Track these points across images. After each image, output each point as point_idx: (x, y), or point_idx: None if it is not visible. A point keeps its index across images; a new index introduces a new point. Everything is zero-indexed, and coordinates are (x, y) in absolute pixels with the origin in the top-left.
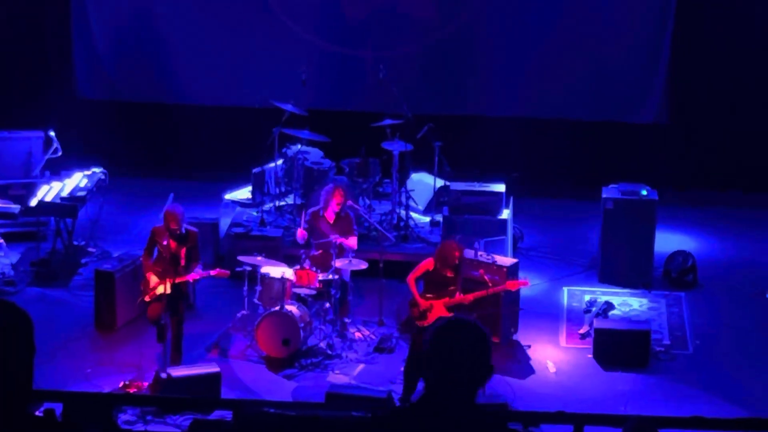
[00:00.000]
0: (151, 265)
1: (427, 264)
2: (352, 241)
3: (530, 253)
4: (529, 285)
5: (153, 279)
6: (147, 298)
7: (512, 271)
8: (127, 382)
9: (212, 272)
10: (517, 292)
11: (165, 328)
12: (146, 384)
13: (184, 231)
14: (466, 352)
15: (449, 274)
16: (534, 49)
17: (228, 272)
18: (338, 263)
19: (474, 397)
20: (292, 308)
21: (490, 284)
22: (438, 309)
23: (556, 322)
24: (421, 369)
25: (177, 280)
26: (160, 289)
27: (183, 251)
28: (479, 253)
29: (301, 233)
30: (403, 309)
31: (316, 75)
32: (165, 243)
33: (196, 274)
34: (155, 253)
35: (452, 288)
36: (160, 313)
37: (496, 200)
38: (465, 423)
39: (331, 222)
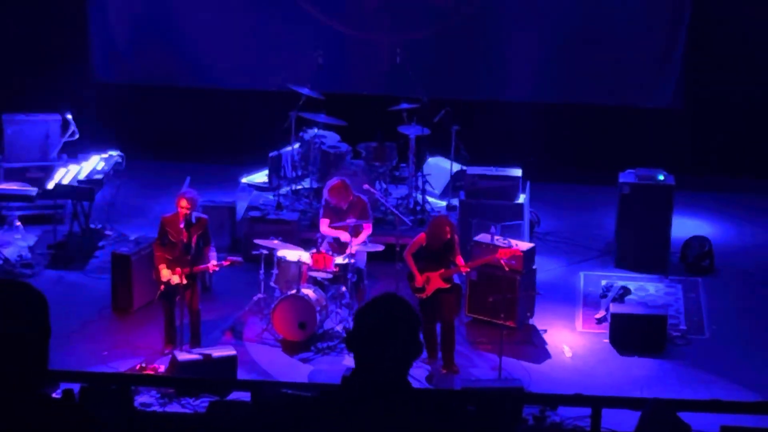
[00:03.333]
0: (163, 255)
1: (420, 239)
2: (367, 227)
3: (547, 238)
4: (521, 253)
5: (165, 272)
6: (162, 288)
7: (529, 256)
8: (143, 364)
9: (225, 263)
10: (534, 276)
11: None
12: (162, 366)
13: (194, 219)
14: (392, 328)
15: (441, 248)
16: (550, 34)
17: (240, 259)
18: (354, 247)
19: (405, 375)
20: (308, 292)
21: (507, 268)
22: (435, 281)
23: (573, 306)
24: (349, 345)
25: (194, 270)
26: (175, 279)
27: (194, 238)
28: (495, 237)
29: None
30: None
31: (333, 59)
32: (179, 228)
33: (212, 266)
34: (165, 242)
35: (449, 260)
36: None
37: (513, 185)
38: (395, 400)
39: (345, 208)
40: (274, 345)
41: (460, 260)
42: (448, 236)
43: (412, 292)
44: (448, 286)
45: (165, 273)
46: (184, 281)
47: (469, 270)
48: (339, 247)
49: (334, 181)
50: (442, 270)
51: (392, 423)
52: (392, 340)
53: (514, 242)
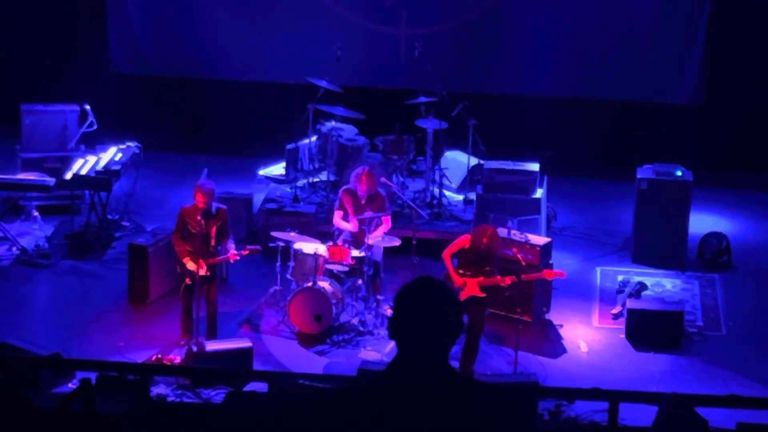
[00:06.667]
0: (185, 249)
1: (463, 241)
2: (386, 221)
3: (564, 233)
4: (565, 276)
5: (191, 264)
6: (188, 281)
7: (545, 251)
8: (159, 355)
9: (244, 252)
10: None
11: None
12: (178, 357)
13: (214, 209)
14: (432, 310)
15: (482, 256)
16: (569, 29)
17: (259, 247)
18: (371, 240)
19: (447, 355)
20: (324, 284)
21: (523, 263)
22: (471, 287)
23: (589, 302)
24: (391, 333)
25: (214, 261)
26: (200, 272)
27: (213, 230)
28: (512, 232)
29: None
30: None
31: (351, 52)
32: (198, 220)
33: (232, 255)
34: (185, 233)
35: (488, 268)
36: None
37: (530, 179)
38: (439, 382)
39: (363, 202)
40: (290, 337)
41: (497, 277)
42: (483, 246)
43: None
44: (484, 295)
45: (191, 265)
46: (207, 273)
47: (509, 283)
48: (355, 241)
49: (359, 169)
50: (481, 278)
51: (438, 406)
52: (435, 323)
53: (530, 236)
